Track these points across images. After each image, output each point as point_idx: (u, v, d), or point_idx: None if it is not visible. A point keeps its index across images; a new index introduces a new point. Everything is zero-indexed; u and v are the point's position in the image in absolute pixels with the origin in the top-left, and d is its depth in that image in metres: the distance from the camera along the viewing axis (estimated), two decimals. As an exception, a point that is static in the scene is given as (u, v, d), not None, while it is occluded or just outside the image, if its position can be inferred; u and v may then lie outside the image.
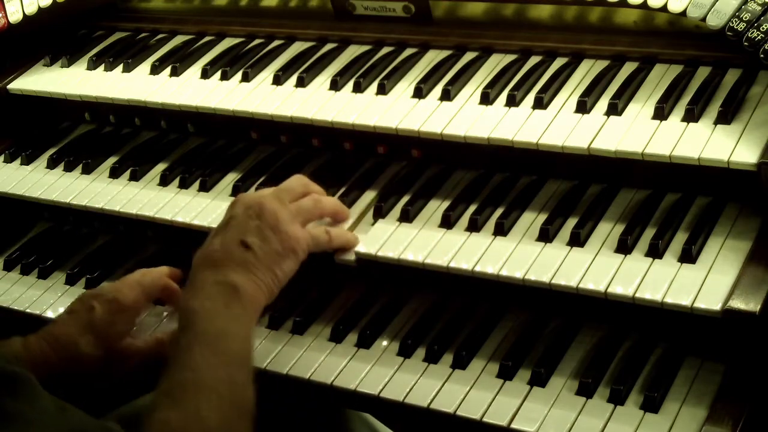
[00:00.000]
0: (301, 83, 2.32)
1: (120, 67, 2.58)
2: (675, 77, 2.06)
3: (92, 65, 2.63)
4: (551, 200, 2.07)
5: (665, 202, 2.00)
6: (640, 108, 2.01)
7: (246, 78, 2.39)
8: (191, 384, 1.65)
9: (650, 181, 2.03)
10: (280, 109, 2.27)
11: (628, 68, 2.13)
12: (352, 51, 2.41)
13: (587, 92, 2.07)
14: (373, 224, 2.10)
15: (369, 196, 2.19)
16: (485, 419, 1.84)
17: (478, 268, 1.94)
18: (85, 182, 2.47)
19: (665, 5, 2.01)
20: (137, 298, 2.07)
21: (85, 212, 2.44)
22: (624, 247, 1.90)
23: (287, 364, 2.02)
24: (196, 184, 2.34)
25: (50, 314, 2.30)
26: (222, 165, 2.39)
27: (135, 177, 2.43)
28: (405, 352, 2.01)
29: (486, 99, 2.13)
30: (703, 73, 2.06)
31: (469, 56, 2.28)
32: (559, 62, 2.20)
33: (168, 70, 2.50)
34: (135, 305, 2.06)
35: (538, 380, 1.89)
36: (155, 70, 2.52)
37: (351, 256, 2.04)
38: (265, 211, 1.89)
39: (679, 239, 1.89)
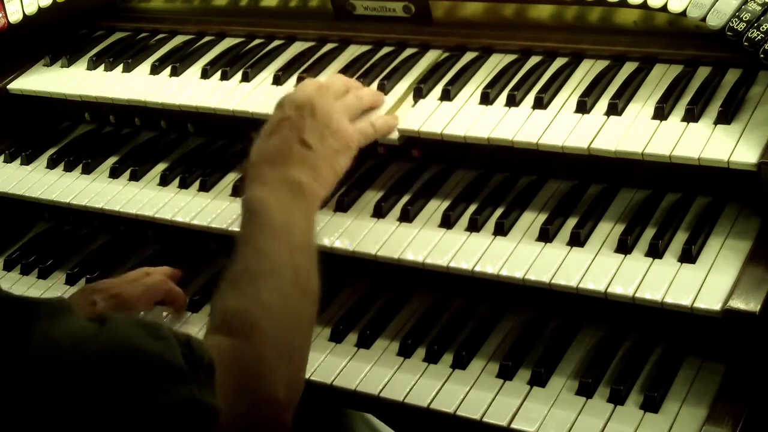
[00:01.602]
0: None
1: (120, 67, 2.58)
2: (675, 77, 2.06)
3: (92, 65, 2.62)
4: (551, 200, 2.07)
5: (665, 202, 2.00)
6: (640, 108, 2.01)
7: (246, 78, 2.39)
8: (253, 271, 1.69)
9: (650, 181, 2.03)
10: (280, 109, 2.27)
11: (628, 68, 2.13)
12: (352, 51, 2.41)
13: (587, 92, 2.07)
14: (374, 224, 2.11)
15: (369, 196, 2.19)
16: (485, 419, 1.84)
17: (478, 268, 1.94)
18: (85, 182, 2.47)
19: (665, 5, 2.01)
20: (140, 297, 2.08)
21: (85, 212, 2.44)
22: (624, 247, 1.90)
23: (287, 364, 2.02)
24: (196, 184, 2.34)
25: (50, 314, 2.29)
26: (222, 165, 2.39)
27: (135, 177, 2.43)
28: (405, 352, 2.01)
29: (486, 99, 2.13)
30: (703, 73, 2.06)
31: (469, 56, 2.28)
32: (559, 62, 2.20)
33: (168, 70, 2.50)
34: (137, 303, 2.07)
35: (538, 380, 1.89)
36: (155, 70, 2.52)
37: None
38: (317, 110, 1.94)
39: (679, 239, 1.89)
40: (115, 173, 2.46)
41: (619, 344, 1.94)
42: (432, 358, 1.98)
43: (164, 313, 2.19)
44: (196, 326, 2.16)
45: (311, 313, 1.73)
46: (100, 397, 1.38)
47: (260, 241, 1.73)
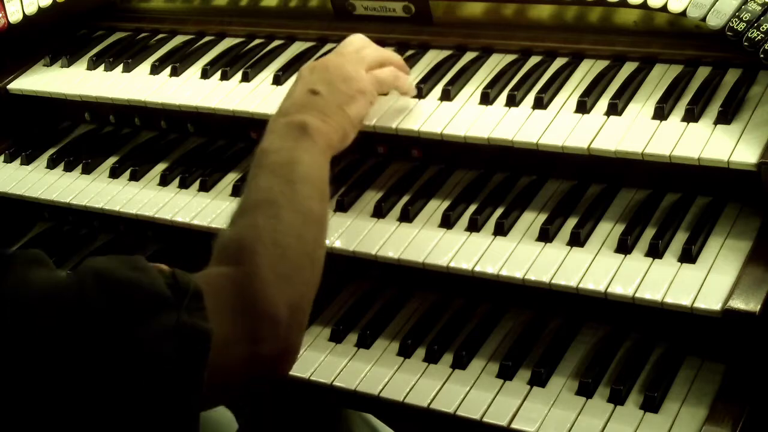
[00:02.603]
0: (301, 83, 2.32)
1: (120, 67, 2.58)
2: (675, 77, 2.06)
3: (92, 65, 2.63)
4: (551, 200, 2.07)
5: (665, 202, 2.00)
6: (640, 108, 2.01)
7: (246, 78, 2.39)
8: (250, 203, 1.68)
9: (650, 181, 2.03)
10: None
11: (628, 68, 2.13)
12: (352, 51, 2.41)
13: (587, 92, 2.07)
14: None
15: (369, 195, 2.19)
16: (485, 419, 1.84)
17: (478, 268, 1.94)
18: (85, 182, 2.47)
19: (665, 5, 2.01)
20: None
21: (85, 212, 2.44)
22: (624, 247, 1.90)
23: (287, 364, 2.02)
24: (196, 184, 2.34)
25: (50, 314, 2.29)
26: (222, 165, 2.39)
27: (135, 177, 2.43)
28: (405, 352, 2.01)
29: (486, 99, 2.13)
30: (703, 73, 2.06)
31: (469, 56, 2.28)
32: (559, 62, 2.20)
33: (168, 70, 2.50)
34: None
35: (538, 380, 1.89)
36: (155, 70, 2.52)
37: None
38: (329, 64, 1.98)
39: (679, 239, 1.89)
40: (115, 173, 2.46)
41: (619, 344, 1.94)
42: (432, 358, 1.98)
43: None
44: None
45: (314, 236, 1.68)
46: (80, 333, 1.35)
47: (260, 180, 1.72)
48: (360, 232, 2.09)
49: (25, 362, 1.34)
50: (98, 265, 1.44)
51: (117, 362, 1.37)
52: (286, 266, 1.59)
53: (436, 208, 2.11)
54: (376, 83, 2.02)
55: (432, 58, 2.31)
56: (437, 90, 2.19)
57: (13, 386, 1.34)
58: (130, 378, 1.37)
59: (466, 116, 2.10)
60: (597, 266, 1.88)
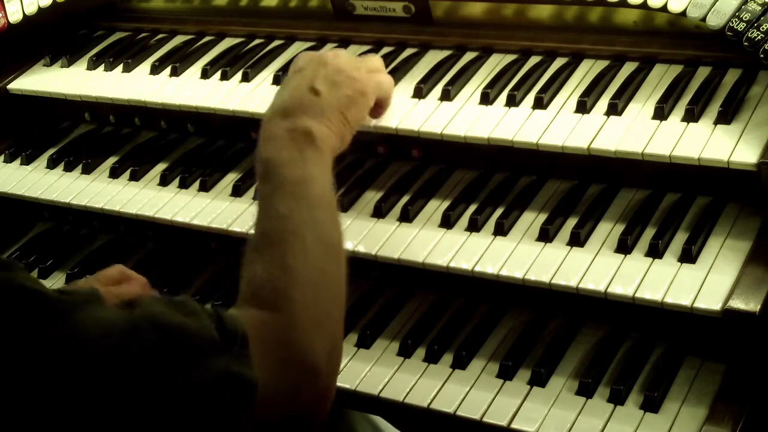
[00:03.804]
0: (301, 83, 2.32)
1: (120, 67, 2.58)
2: (675, 77, 2.06)
3: (92, 65, 2.63)
4: (551, 200, 2.07)
5: (665, 202, 2.00)
6: (640, 108, 2.01)
7: (246, 78, 2.39)
8: (274, 233, 1.65)
9: (650, 181, 2.03)
10: (281, 109, 2.27)
11: (628, 68, 2.13)
12: (352, 51, 2.40)
13: (587, 92, 2.07)
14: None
15: (369, 195, 2.19)
16: (485, 419, 1.84)
17: (478, 268, 1.94)
18: (85, 182, 2.47)
19: (665, 5, 2.01)
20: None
21: (85, 212, 2.44)
22: (624, 247, 1.90)
23: (287, 364, 2.02)
24: (196, 184, 2.34)
25: (50, 314, 2.29)
26: (222, 165, 2.39)
27: (135, 177, 2.43)
28: (405, 352, 2.01)
29: (486, 99, 2.13)
30: (703, 73, 2.06)
31: (469, 56, 2.28)
32: (559, 62, 2.20)
33: (168, 70, 2.50)
34: None
35: (538, 380, 1.89)
36: (155, 70, 2.52)
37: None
38: (329, 60, 1.92)
39: (679, 239, 1.89)
40: (115, 173, 2.46)
41: (619, 344, 1.94)
42: (432, 358, 1.98)
43: None
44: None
45: (339, 270, 1.66)
46: (136, 378, 1.37)
47: (277, 202, 1.68)
48: (360, 232, 2.09)
49: (82, 407, 1.36)
50: (152, 310, 1.45)
51: (166, 407, 1.39)
52: (320, 310, 1.59)
53: (436, 208, 2.11)
54: (376, 86, 1.98)
55: (432, 58, 2.31)
56: (437, 90, 2.19)
57: (70, 428, 1.37)
58: (177, 423, 1.40)
59: (466, 116, 2.10)
60: (597, 266, 1.88)
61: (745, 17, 1.91)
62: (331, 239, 1.68)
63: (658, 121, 1.96)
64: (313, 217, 1.66)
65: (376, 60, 2.06)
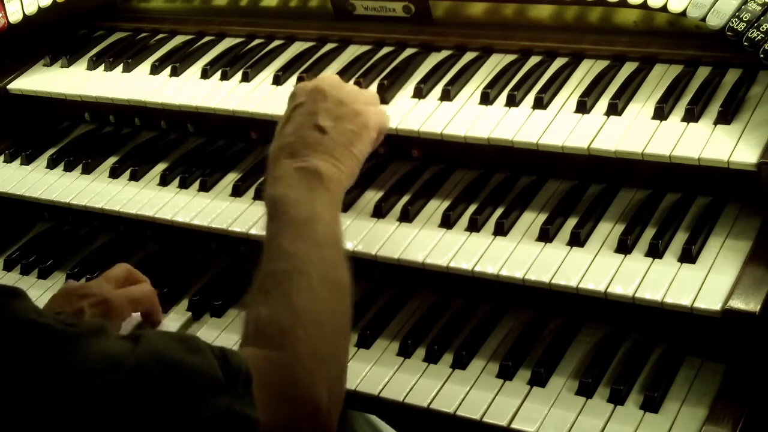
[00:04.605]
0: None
1: (120, 67, 2.58)
2: (675, 77, 2.06)
3: (92, 65, 2.63)
4: (551, 200, 2.07)
5: (665, 202, 2.00)
6: (640, 108, 2.01)
7: (246, 78, 2.39)
8: (280, 273, 1.65)
9: (650, 181, 2.03)
10: (281, 110, 2.26)
11: (628, 68, 2.13)
12: (352, 51, 2.41)
13: (587, 92, 2.07)
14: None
15: (369, 195, 2.18)
16: (485, 419, 1.84)
17: (478, 268, 1.94)
18: (85, 182, 2.47)
19: (665, 5, 2.01)
20: (128, 306, 2.05)
21: (85, 212, 2.44)
22: (624, 247, 1.90)
23: (287, 364, 2.02)
24: (196, 184, 2.34)
25: (50, 314, 2.29)
26: (222, 165, 2.39)
27: (135, 177, 2.43)
28: (405, 352, 2.01)
29: (486, 99, 2.13)
30: (703, 73, 2.06)
31: (469, 56, 2.28)
32: (559, 62, 2.20)
33: (168, 70, 2.50)
34: (124, 311, 2.05)
35: (538, 380, 1.89)
36: (155, 70, 2.52)
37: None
38: (328, 93, 1.91)
39: (679, 239, 1.89)
40: (115, 173, 2.46)
41: (619, 344, 1.94)
42: (432, 358, 1.98)
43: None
44: (196, 329, 2.16)
45: (344, 309, 1.68)
46: (140, 414, 1.39)
47: (284, 241, 1.69)
48: (360, 232, 2.08)
49: None
50: (158, 346, 1.46)
51: None
52: (324, 348, 1.60)
53: (436, 208, 2.11)
54: (377, 119, 1.96)
55: (432, 58, 2.31)
56: (437, 90, 2.19)
57: None
58: None
59: (466, 116, 2.10)
60: (597, 266, 1.88)
61: (745, 17, 1.91)
62: (338, 278, 1.69)
63: (658, 121, 1.96)
64: (320, 256, 1.68)
65: (370, 92, 2.07)
